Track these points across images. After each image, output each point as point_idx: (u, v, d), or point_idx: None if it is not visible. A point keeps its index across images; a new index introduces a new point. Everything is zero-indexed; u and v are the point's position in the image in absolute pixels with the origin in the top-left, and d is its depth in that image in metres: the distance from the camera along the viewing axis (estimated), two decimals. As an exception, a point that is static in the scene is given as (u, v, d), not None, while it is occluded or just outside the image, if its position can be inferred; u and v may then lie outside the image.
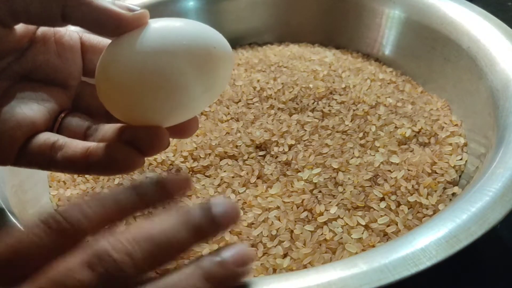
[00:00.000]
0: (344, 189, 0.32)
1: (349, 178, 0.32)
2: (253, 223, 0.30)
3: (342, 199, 0.31)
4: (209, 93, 0.24)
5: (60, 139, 0.23)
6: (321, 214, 0.30)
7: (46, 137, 0.23)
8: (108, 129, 0.24)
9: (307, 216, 0.30)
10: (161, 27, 0.22)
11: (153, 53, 0.22)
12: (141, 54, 0.22)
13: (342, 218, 0.30)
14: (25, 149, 0.23)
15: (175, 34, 0.22)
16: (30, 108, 0.24)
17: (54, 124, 0.25)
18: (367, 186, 0.32)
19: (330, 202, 0.31)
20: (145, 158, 0.24)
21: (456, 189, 0.32)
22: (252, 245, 0.29)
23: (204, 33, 0.23)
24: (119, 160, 0.22)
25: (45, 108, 0.24)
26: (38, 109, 0.24)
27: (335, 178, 0.33)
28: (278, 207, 0.31)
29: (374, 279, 0.21)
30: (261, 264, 0.28)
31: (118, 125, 0.24)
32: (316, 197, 0.31)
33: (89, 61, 0.26)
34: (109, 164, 0.22)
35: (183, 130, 0.25)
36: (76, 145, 0.23)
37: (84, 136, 0.25)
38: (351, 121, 0.38)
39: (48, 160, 0.23)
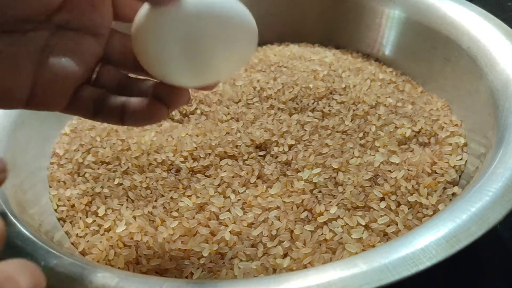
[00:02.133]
0: (344, 189, 0.32)
1: (349, 178, 0.32)
2: (253, 223, 0.30)
3: (342, 199, 0.31)
4: (233, 63, 0.26)
5: (101, 92, 0.26)
6: (321, 214, 0.30)
7: (91, 89, 0.26)
8: (142, 85, 0.27)
9: (307, 216, 0.30)
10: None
11: (189, 21, 0.23)
12: (179, 20, 0.23)
13: (342, 218, 0.30)
14: (74, 99, 0.25)
15: (211, 7, 0.24)
16: (75, 59, 0.25)
17: (91, 75, 0.26)
18: (367, 186, 0.32)
19: (330, 202, 0.31)
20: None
21: (456, 189, 0.32)
22: (252, 245, 0.29)
23: (236, 8, 0.25)
24: (152, 113, 0.25)
25: (85, 59, 0.25)
26: (80, 60, 0.25)
27: (335, 178, 0.33)
28: (278, 207, 0.31)
29: (374, 279, 0.21)
30: (261, 264, 0.28)
31: (150, 82, 0.26)
32: (316, 197, 0.31)
33: (119, 7, 0.26)
34: (143, 116, 0.25)
35: (204, 89, 0.27)
36: (115, 98, 0.25)
37: (118, 88, 0.26)
38: (351, 121, 0.38)
39: (93, 111, 0.25)
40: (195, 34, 0.23)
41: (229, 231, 0.29)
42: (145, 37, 0.24)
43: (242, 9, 0.25)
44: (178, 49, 0.23)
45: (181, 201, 0.32)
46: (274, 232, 0.29)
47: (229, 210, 0.31)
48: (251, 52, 0.26)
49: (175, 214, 0.31)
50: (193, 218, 0.31)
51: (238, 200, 0.32)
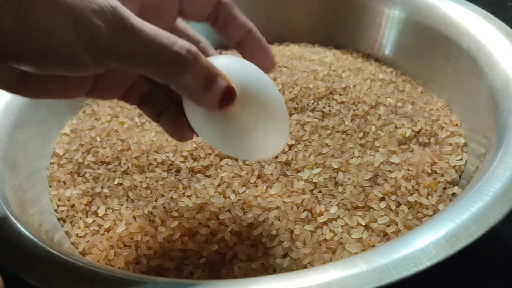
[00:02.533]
0: (344, 189, 0.32)
1: (349, 178, 0.32)
2: (253, 223, 0.30)
3: (342, 199, 0.31)
4: (282, 138, 0.27)
5: (150, 86, 0.29)
6: (321, 214, 0.30)
7: (142, 81, 0.28)
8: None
9: (307, 216, 0.30)
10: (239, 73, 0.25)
11: (243, 109, 0.25)
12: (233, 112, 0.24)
13: (342, 218, 0.30)
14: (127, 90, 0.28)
15: (260, 94, 0.25)
16: None
17: None
18: (367, 186, 0.32)
19: (330, 202, 0.31)
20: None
21: (456, 189, 0.32)
22: (252, 245, 0.29)
23: (275, 90, 0.26)
24: (178, 136, 0.29)
25: None
26: None
27: (335, 178, 0.33)
28: (278, 207, 0.31)
29: (374, 279, 0.21)
30: (261, 264, 0.28)
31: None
32: (316, 197, 0.31)
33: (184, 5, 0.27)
34: (171, 134, 0.29)
35: None
36: (159, 99, 0.29)
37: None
38: (351, 121, 0.38)
39: (138, 102, 0.29)
40: (249, 119, 0.25)
41: (229, 231, 0.29)
42: (200, 117, 0.25)
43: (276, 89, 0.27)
44: (232, 134, 0.25)
45: (181, 201, 0.32)
46: (274, 232, 0.29)
47: (229, 210, 0.31)
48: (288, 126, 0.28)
49: (175, 214, 0.31)
50: (193, 218, 0.31)
51: (238, 200, 0.32)
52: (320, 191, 0.32)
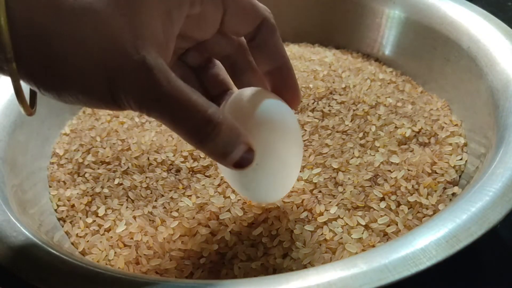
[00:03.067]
0: (344, 189, 0.32)
1: (349, 178, 0.32)
2: (253, 223, 0.30)
3: (342, 199, 0.31)
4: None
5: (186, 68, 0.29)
6: (321, 214, 0.30)
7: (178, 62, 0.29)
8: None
9: (307, 216, 0.30)
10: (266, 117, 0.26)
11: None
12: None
13: (342, 218, 0.30)
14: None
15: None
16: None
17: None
18: (367, 186, 0.32)
19: (330, 202, 0.31)
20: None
21: (456, 189, 0.32)
22: (252, 245, 0.29)
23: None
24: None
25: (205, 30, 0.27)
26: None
27: (335, 178, 0.33)
28: (278, 207, 0.31)
29: (374, 279, 0.21)
30: (261, 264, 0.28)
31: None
32: (316, 197, 0.31)
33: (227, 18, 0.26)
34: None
35: None
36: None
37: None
38: (351, 121, 0.38)
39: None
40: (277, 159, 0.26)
41: (229, 231, 0.29)
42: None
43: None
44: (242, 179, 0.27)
45: (181, 201, 0.32)
46: (274, 232, 0.29)
47: (229, 210, 0.31)
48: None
49: (175, 214, 0.31)
50: (193, 218, 0.31)
51: (238, 200, 0.32)
52: (320, 191, 0.32)
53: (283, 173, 0.27)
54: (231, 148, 0.23)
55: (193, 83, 0.29)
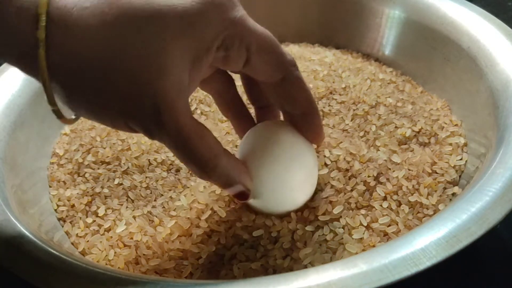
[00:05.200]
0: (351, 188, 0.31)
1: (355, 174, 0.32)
2: (253, 223, 0.30)
3: (346, 198, 0.31)
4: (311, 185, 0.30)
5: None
6: (323, 213, 0.30)
7: None
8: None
9: (309, 215, 0.30)
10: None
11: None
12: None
13: (344, 218, 0.30)
14: None
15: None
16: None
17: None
18: (371, 185, 0.32)
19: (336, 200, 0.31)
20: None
21: (456, 189, 0.32)
22: (252, 247, 0.29)
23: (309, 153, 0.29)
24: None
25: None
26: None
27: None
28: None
29: (374, 279, 0.21)
30: (261, 265, 0.27)
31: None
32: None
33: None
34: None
35: None
36: None
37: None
38: (351, 121, 0.38)
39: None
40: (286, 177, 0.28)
41: (229, 232, 0.29)
42: None
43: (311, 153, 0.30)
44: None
45: (179, 200, 0.32)
46: (274, 234, 0.29)
47: (228, 210, 0.31)
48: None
49: (173, 213, 0.31)
50: (188, 218, 0.31)
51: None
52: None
53: (288, 196, 0.29)
54: (230, 184, 0.26)
55: (233, 92, 0.31)
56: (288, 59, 0.26)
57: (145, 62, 0.22)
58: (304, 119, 0.29)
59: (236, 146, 0.36)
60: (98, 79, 0.22)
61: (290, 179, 0.28)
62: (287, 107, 0.29)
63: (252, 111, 0.32)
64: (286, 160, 0.28)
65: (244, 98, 0.32)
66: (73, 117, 0.26)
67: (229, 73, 0.30)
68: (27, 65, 0.23)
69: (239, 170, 0.27)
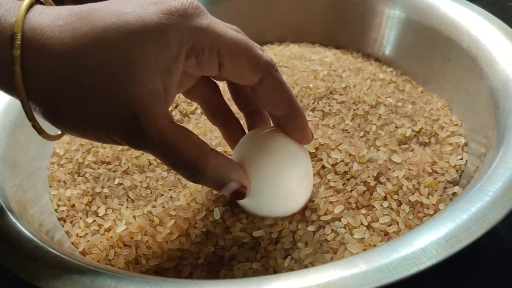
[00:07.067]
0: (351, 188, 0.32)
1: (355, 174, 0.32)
2: (253, 224, 0.30)
3: (346, 198, 0.31)
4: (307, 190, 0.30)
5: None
6: (325, 213, 0.30)
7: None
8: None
9: (310, 215, 0.30)
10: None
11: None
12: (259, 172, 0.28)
13: (345, 218, 0.30)
14: None
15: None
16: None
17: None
18: (371, 185, 0.32)
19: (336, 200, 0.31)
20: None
21: (456, 188, 0.32)
22: (252, 248, 0.29)
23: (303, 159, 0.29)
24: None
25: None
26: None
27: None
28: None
29: (374, 279, 0.21)
30: (261, 265, 0.27)
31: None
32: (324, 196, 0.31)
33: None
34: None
35: None
36: None
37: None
38: (351, 121, 0.38)
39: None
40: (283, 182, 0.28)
41: (228, 232, 0.29)
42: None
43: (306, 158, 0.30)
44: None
45: (178, 199, 0.32)
46: (275, 234, 0.29)
47: (228, 210, 0.31)
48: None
49: (172, 213, 0.31)
50: (187, 218, 0.31)
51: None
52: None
53: (283, 198, 0.29)
54: (223, 183, 0.26)
55: (218, 99, 0.31)
56: (265, 60, 0.26)
57: (118, 73, 0.22)
58: (288, 120, 0.28)
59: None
60: (74, 95, 0.23)
61: (282, 187, 0.28)
62: (269, 108, 0.29)
63: (243, 122, 0.32)
64: (277, 168, 0.28)
65: (234, 107, 0.32)
66: (59, 133, 0.26)
67: (214, 81, 0.30)
68: (5, 83, 0.23)
69: (231, 168, 0.26)
